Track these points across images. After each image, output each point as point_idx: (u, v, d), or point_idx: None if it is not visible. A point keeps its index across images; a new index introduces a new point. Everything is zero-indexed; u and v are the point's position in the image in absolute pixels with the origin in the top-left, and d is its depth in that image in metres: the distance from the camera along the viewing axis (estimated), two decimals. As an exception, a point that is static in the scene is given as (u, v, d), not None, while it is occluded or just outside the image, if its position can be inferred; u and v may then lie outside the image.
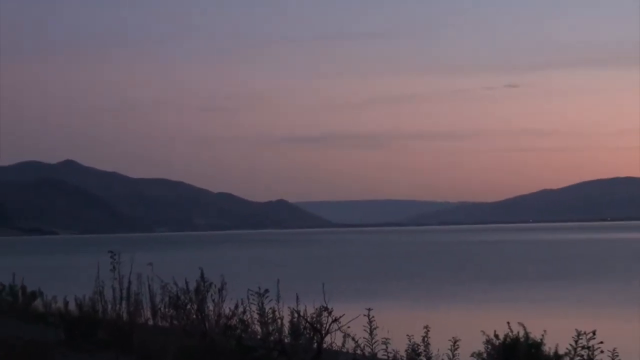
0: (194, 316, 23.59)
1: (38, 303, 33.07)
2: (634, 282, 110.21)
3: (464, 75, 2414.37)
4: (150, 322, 25.70)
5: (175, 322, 24.41)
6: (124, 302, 25.58)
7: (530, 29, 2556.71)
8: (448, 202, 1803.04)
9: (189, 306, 23.55)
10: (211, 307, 23.80)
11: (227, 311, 22.13)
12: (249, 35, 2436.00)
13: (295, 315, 19.73)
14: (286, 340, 18.97)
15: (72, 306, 28.24)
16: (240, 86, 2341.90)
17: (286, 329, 20.08)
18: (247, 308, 20.99)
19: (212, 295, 23.78)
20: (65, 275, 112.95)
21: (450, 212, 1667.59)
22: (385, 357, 23.97)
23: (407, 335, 25.01)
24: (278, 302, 20.66)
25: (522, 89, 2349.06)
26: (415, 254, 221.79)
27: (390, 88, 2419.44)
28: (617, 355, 18.97)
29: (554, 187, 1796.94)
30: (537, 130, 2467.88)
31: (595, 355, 19.59)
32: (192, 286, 23.74)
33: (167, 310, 24.99)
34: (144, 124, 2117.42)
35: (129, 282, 25.56)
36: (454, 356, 23.74)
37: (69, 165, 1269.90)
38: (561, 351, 23.77)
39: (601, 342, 20.01)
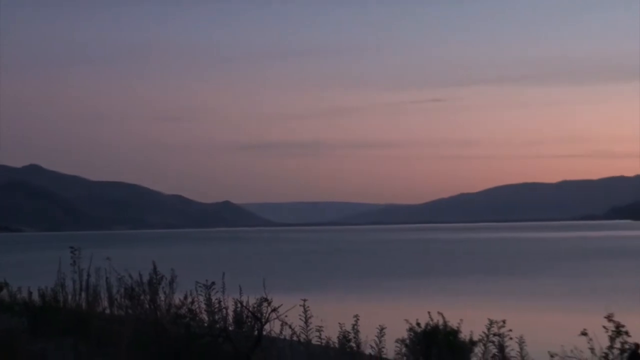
0: (147, 306, 23.49)
1: (4, 294, 32.80)
2: (539, 276, 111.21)
3: (394, 90, 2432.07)
4: (107, 311, 25.60)
5: (130, 311, 24.30)
6: (83, 293, 25.51)
7: (453, 48, 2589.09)
8: (377, 204, 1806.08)
9: (142, 297, 23.45)
10: (162, 298, 23.72)
11: (177, 301, 22.05)
12: (200, 53, 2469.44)
13: (239, 305, 19.71)
14: (230, 328, 18.94)
15: (35, 297, 28.02)
16: (192, 99, 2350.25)
17: (230, 318, 20.05)
18: (195, 299, 20.95)
19: (163, 287, 23.71)
20: (30, 268, 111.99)
21: (379, 213, 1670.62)
22: (319, 343, 23.99)
23: (339, 323, 25.04)
24: (223, 293, 20.62)
25: (445, 103, 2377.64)
26: (346, 251, 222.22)
27: (328, 101, 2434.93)
28: (524, 342, 19.08)
29: (471, 191, 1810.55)
30: (457, 140, 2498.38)
31: (505, 342, 19.69)
32: (146, 279, 23.65)
33: (122, 300, 24.89)
34: (103, 132, 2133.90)
35: (88, 275, 25.48)
36: (380, 342, 23.79)
37: (34, 169, 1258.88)
38: (475, 338, 23.91)
39: (510, 330, 20.14)
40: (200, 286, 20.50)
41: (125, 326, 21.23)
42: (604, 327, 17.34)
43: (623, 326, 17.34)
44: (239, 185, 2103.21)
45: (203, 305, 20.86)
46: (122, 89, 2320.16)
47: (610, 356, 17.32)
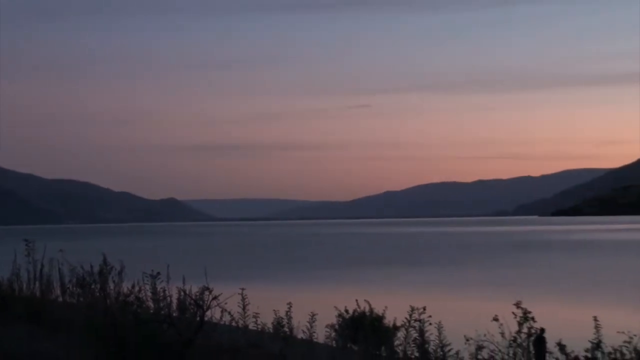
0: (97, 294, 23.34)
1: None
2: (456, 267, 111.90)
3: (325, 96, 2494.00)
4: (60, 299, 25.40)
5: (81, 299, 24.14)
6: (37, 282, 25.26)
7: (379, 59, 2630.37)
8: (310, 201, 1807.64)
9: (93, 286, 23.32)
10: (112, 287, 23.56)
11: (125, 290, 21.93)
12: (147, 62, 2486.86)
13: (182, 293, 19.64)
14: (174, 315, 18.86)
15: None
16: (139, 104, 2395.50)
17: (174, 305, 19.99)
18: (142, 288, 20.87)
19: (112, 276, 23.56)
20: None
21: (312, 209, 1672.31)
22: (256, 328, 23.97)
23: (274, 310, 25.01)
24: (168, 282, 20.56)
25: (372, 108, 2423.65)
26: (281, 243, 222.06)
27: (267, 107, 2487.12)
28: (442, 327, 19.19)
29: (396, 189, 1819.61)
30: (382, 142, 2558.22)
31: (425, 327, 19.78)
32: (96, 269, 23.50)
33: (74, 289, 24.73)
34: (58, 133, 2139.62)
35: (42, 266, 25.24)
36: (311, 327, 23.81)
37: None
38: (398, 323, 23.98)
39: (430, 316, 20.23)
40: (146, 276, 20.43)
41: (77, 313, 21.04)
42: (513, 313, 17.51)
43: (530, 312, 17.54)
44: (183, 183, 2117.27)
45: (149, 294, 20.79)
46: (75, 95, 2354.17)
47: (519, 340, 17.50)
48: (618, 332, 18.35)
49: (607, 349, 18.30)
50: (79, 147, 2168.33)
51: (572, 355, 18.42)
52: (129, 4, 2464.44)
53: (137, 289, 21.03)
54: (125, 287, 22.30)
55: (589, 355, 18.35)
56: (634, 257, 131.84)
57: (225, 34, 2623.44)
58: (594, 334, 18.40)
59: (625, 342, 18.30)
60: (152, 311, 19.46)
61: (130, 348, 14.80)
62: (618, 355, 18.21)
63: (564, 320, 39.02)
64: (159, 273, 20.35)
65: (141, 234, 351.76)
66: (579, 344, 18.72)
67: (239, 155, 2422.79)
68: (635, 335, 18.39)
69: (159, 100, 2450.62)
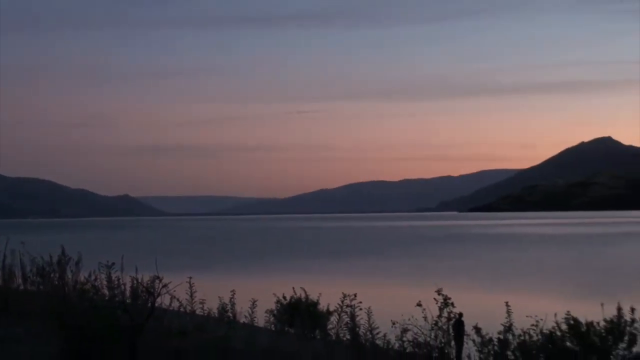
0: (56, 282, 23.10)
1: None
2: (384, 257, 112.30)
3: (269, 103, 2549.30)
4: (22, 288, 25.11)
5: (41, 287, 23.89)
6: (0, 272, 24.96)
7: (315, 69, 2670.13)
8: (252, 198, 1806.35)
9: (52, 275, 23.09)
10: (70, 276, 23.33)
11: (82, 279, 21.71)
12: (109, 71, 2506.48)
13: (135, 282, 19.45)
14: (128, 301, 18.68)
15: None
16: (99, 108, 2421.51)
17: (128, 293, 19.81)
18: (98, 277, 20.66)
19: (70, 266, 23.34)
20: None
21: (253, 205, 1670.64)
22: (202, 314, 23.87)
23: (219, 297, 24.91)
24: (122, 272, 20.36)
25: (308, 114, 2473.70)
26: (225, 237, 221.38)
27: (216, 112, 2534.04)
28: (371, 312, 19.23)
29: (330, 187, 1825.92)
30: (318, 144, 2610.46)
31: (356, 312, 19.80)
32: (55, 259, 23.27)
33: (35, 278, 24.44)
34: (21, 135, 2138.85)
35: (4, 256, 24.92)
36: (252, 312, 23.75)
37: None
38: (332, 309, 24.00)
39: (360, 302, 20.25)
40: (102, 266, 20.20)
41: (37, 300, 20.80)
42: (435, 299, 17.58)
43: (450, 299, 17.61)
44: (137, 181, 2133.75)
45: (104, 282, 20.58)
46: (37, 100, 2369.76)
47: (440, 323, 17.56)
48: (527, 316, 18.50)
49: (517, 332, 18.47)
50: (41, 148, 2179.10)
51: (487, 337, 18.54)
52: (93, 18, 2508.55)
53: (93, 277, 20.81)
54: (82, 276, 22.09)
55: (501, 337, 18.49)
56: (541, 249, 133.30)
57: (180, 45, 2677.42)
58: (506, 318, 18.55)
59: (532, 325, 18.48)
60: (107, 298, 19.27)
61: (87, 333, 14.65)
62: (526, 337, 18.38)
63: (480, 305, 39.29)
64: (113, 263, 20.15)
65: (97, 228, 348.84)
66: (492, 327, 18.86)
67: (189, 155, 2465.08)
68: (541, 319, 18.56)
69: (115, 105, 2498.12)
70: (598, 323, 18.68)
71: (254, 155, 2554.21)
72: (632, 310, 18.60)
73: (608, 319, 18.65)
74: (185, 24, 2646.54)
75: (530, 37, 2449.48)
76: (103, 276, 20.60)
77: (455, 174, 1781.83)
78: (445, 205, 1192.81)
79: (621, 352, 18.43)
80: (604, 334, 18.44)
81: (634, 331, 18.47)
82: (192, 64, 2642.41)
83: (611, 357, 18.40)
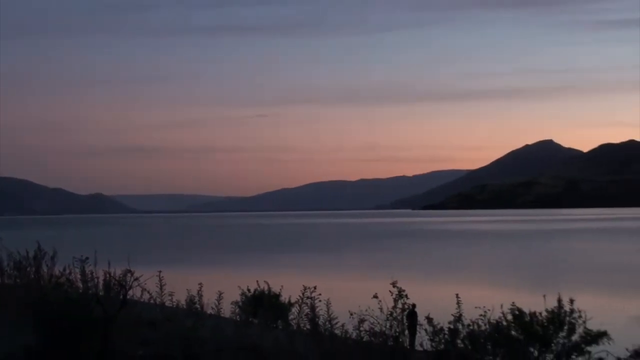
0: (33, 276, 22.92)
1: None
2: (342, 252, 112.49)
3: (232, 107, 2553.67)
4: (-1, 281, 24.91)
5: (18, 280, 23.67)
6: (-21, 266, 24.74)
7: (278, 75, 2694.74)
8: (218, 196, 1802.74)
9: (29, 269, 22.90)
10: (45, 270, 23.15)
11: (57, 272, 21.54)
12: (86, 76, 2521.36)
13: (107, 275, 19.35)
14: (101, 294, 18.57)
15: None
16: (73, 111, 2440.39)
17: (101, 285, 19.69)
18: (72, 270, 20.53)
19: (46, 261, 23.16)
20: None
21: (220, 203, 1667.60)
22: (171, 305, 23.78)
23: (187, 289, 24.83)
24: (95, 266, 20.24)
25: (268, 118, 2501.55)
26: (193, 232, 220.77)
27: (184, 115, 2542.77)
28: (330, 303, 19.24)
29: (291, 186, 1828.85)
30: (278, 146, 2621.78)
31: (316, 304, 19.79)
32: (32, 254, 23.09)
33: (12, 271, 24.22)
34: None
35: (-17, 252, 24.74)
36: (219, 304, 23.69)
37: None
38: (293, 300, 23.99)
39: (320, 294, 20.25)
40: (76, 260, 20.07)
41: (14, 293, 20.62)
42: (390, 291, 17.60)
43: (404, 291, 17.65)
44: (110, 180, 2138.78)
45: (79, 276, 20.44)
46: (15, 103, 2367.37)
47: (394, 314, 17.59)
48: (475, 307, 18.60)
49: (467, 322, 18.54)
50: (18, 149, 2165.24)
51: (438, 326, 18.60)
52: (72, 26, 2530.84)
53: (67, 271, 20.68)
54: (57, 270, 21.92)
55: (452, 326, 18.56)
56: (488, 244, 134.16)
57: (151, 53, 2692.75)
58: (456, 309, 18.61)
59: (480, 315, 18.57)
60: (81, 291, 19.14)
61: (62, 324, 14.56)
62: (475, 326, 18.47)
63: (432, 297, 39.46)
64: (87, 258, 20.02)
65: (72, 225, 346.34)
66: (444, 318, 18.93)
67: (159, 156, 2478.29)
68: (489, 310, 18.66)
69: (90, 108, 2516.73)
70: (540, 313, 18.81)
71: (219, 155, 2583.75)
72: (571, 301, 18.75)
73: (549, 309, 18.80)
74: (156, 33, 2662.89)
75: (477, 47, 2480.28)
76: (77, 270, 20.46)
77: (409, 174, 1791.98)
78: (399, 204, 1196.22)
79: (561, 341, 18.58)
80: (545, 324, 18.58)
81: (572, 321, 18.62)
82: (161, 70, 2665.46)
83: (552, 345, 18.55)
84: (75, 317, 14.71)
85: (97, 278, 19.88)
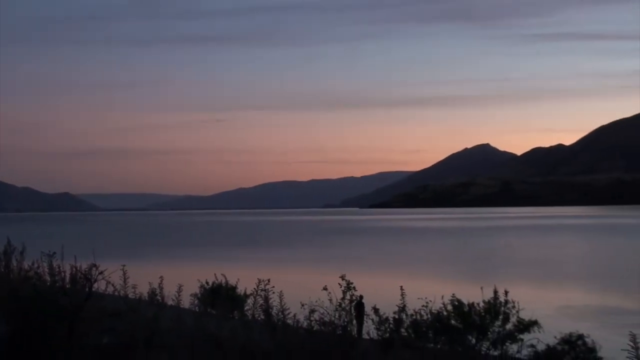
0: (2, 270, 22.62)
1: None
2: (295, 247, 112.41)
3: (191, 112, 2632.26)
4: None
5: (-12, 274, 23.38)
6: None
7: (232, 83, 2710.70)
8: (179, 195, 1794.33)
9: (-1, 263, 22.62)
10: (15, 264, 22.86)
11: (26, 267, 21.28)
12: (60, 83, 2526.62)
13: (74, 269, 19.15)
14: (67, 286, 18.37)
15: None
16: (39, 113, 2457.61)
17: (67, 279, 19.49)
18: (40, 265, 20.30)
19: (15, 255, 22.87)
20: None
21: (180, 201, 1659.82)
22: (134, 297, 23.61)
23: (149, 282, 24.68)
24: (62, 260, 20.00)
25: (226, 122, 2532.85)
26: (155, 229, 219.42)
27: (146, 120, 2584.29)
28: (283, 295, 19.22)
29: (247, 185, 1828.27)
30: (235, 148, 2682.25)
31: (270, 295, 19.76)
32: (2, 249, 22.79)
33: (-18, 266, 23.93)
34: None
35: (-45, 247, 24.35)
36: (179, 296, 23.56)
37: None
38: (248, 292, 23.95)
39: (273, 287, 20.23)
40: (44, 255, 19.84)
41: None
42: (339, 284, 17.64)
43: (352, 283, 17.69)
44: (76, 180, 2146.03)
45: (47, 270, 20.20)
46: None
47: (343, 305, 17.63)
48: (418, 298, 18.71)
49: (410, 312, 18.65)
50: None
51: (384, 316, 18.68)
52: (44, 36, 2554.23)
53: (36, 265, 20.44)
54: (26, 264, 21.66)
55: (396, 316, 18.65)
56: (430, 240, 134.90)
57: (117, 62, 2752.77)
58: (400, 300, 18.71)
59: (423, 306, 18.68)
60: (49, 284, 18.92)
61: (31, 315, 14.40)
62: (418, 316, 18.58)
63: (378, 289, 39.55)
64: (54, 252, 19.79)
65: (40, 222, 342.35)
66: (389, 308, 19.02)
67: (123, 157, 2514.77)
68: (430, 301, 18.78)
69: (59, 111, 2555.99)
70: (478, 304, 18.96)
71: (179, 157, 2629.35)
72: (506, 293, 18.92)
73: (486, 300, 18.95)
74: (122, 43, 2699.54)
75: (419, 58, 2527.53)
76: (45, 264, 20.23)
77: (357, 175, 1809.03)
78: (348, 203, 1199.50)
79: (497, 329, 18.75)
80: (482, 314, 18.73)
81: (507, 311, 18.79)
82: (126, 78, 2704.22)
83: (488, 333, 18.70)
84: (44, 308, 14.57)
85: (64, 272, 19.64)
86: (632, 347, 15.23)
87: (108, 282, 19.81)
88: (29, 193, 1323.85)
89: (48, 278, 19.85)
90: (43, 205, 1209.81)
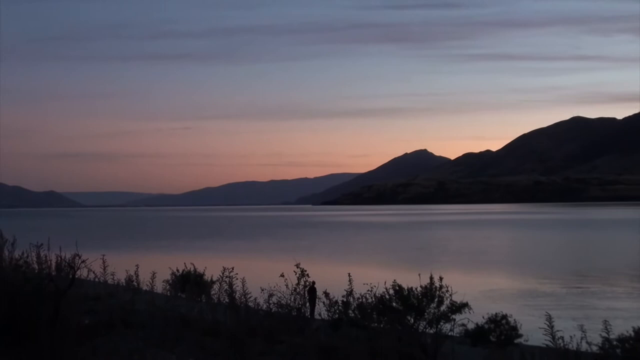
0: (-5, 260, 22.25)
1: None
2: (257, 239, 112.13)
3: (161, 120, 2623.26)
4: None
5: (-18, 263, 22.99)
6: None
7: (201, 94, 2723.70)
8: (153, 193, 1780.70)
9: (-9, 254, 22.23)
10: (6, 254, 22.48)
11: (16, 256, 20.95)
12: (41, 90, 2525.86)
13: (59, 258, 18.90)
14: (53, 274, 18.12)
15: None
16: (29, 120, 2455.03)
17: (53, 267, 19.22)
18: (29, 254, 20.00)
19: (7, 247, 22.49)
20: None
21: (154, 199, 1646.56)
22: (113, 283, 23.38)
23: (126, 270, 24.44)
24: (48, 250, 19.73)
25: (192, 130, 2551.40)
26: (131, 223, 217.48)
27: (125, 126, 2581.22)
28: (245, 281, 19.14)
29: (213, 185, 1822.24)
30: (202, 153, 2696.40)
31: (233, 282, 19.65)
32: (-6, 241, 22.42)
33: (-23, 256, 23.50)
34: None
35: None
36: (152, 282, 23.36)
37: None
38: (214, 279, 23.81)
39: (237, 274, 20.13)
40: (32, 246, 19.56)
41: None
42: (294, 271, 17.65)
43: (305, 271, 17.71)
44: (61, 179, 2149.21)
45: (35, 259, 19.92)
46: None
47: (298, 289, 17.64)
48: (364, 284, 18.74)
49: (357, 296, 18.68)
50: None
51: (334, 299, 18.69)
52: (35, 52, 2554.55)
53: (25, 255, 20.13)
54: (17, 254, 21.34)
55: (345, 299, 18.67)
56: (374, 232, 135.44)
57: (96, 75, 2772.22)
58: (348, 285, 18.73)
59: (368, 290, 18.72)
60: (36, 271, 18.66)
61: (21, 298, 14.21)
62: (363, 299, 18.60)
63: (329, 276, 39.59)
64: (42, 244, 19.52)
65: (29, 217, 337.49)
66: (338, 292, 19.04)
67: (103, 160, 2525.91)
68: (375, 286, 18.82)
69: (46, 119, 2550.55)
70: (416, 288, 19.05)
71: (152, 160, 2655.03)
72: (441, 279, 19.03)
73: (423, 285, 19.05)
74: (102, 59, 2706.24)
75: (363, 74, 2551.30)
76: (33, 254, 19.94)
77: (310, 176, 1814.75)
78: (302, 200, 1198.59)
79: (432, 311, 18.85)
80: (420, 297, 18.83)
81: (441, 295, 18.90)
82: (106, 90, 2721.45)
83: (425, 314, 18.80)
84: (32, 292, 14.39)
85: (50, 261, 19.36)
86: (548, 326, 15.44)
87: (89, 270, 19.55)
88: (19, 191, 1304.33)
89: (36, 266, 19.55)
90: (31, 202, 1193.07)
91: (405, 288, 19.06)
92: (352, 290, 18.70)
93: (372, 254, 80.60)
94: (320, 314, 19.47)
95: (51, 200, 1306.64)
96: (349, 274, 18.91)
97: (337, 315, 18.58)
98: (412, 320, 18.70)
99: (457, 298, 18.92)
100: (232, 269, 19.31)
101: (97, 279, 21.86)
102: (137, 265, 24.05)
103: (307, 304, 18.83)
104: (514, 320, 24.30)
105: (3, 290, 14.64)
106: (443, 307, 18.78)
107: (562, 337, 15.24)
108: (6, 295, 14.37)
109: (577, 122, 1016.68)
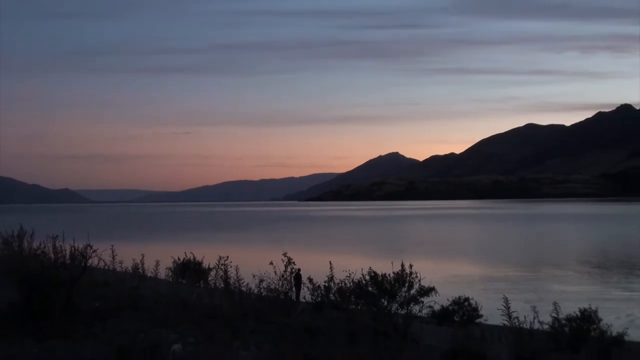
0: (16, 249, 22.09)
1: None
2: (249, 231, 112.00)
3: (164, 125, 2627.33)
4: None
5: (5, 252, 22.82)
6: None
7: (201, 102, 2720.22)
8: (156, 191, 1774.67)
9: (13, 244, 22.07)
10: (26, 245, 22.36)
11: (35, 247, 20.84)
12: (56, 98, 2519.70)
13: (72, 248, 18.78)
14: (67, 262, 18.02)
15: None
16: (47, 126, 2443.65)
17: (67, 256, 19.11)
18: (46, 245, 19.87)
19: (27, 238, 22.38)
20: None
21: (157, 195, 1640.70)
22: (121, 270, 23.28)
23: (132, 258, 24.36)
24: (63, 241, 19.61)
25: (192, 134, 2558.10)
26: (137, 217, 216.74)
27: (132, 131, 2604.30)
28: (239, 269, 19.10)
29: (210, 184, 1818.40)
30: (200, 154, 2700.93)
31: (228, 269, 19.61)
32: (16, 233, 22.26)
33: (1, 246, 23.34)
34: None
35: (-22, 231, 23.69)
36: (157, 269, 23.28)
37: None
38: (211, 266, 23.71)
39: (231, 262, 20.09)
40: (49, 237, 19.44)
41: (2, 262, 19.87)
42: (282, 259, 17.65)
43: (292, 259, 17.70)
44: (75, 178, 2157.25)
45: (51, 249, 19.79)
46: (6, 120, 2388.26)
47: (285, 275, 17.64)
48: (343, 270, 18.75)
49: (337, 281, 18.67)
50: (3, 152, 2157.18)
51: (317, 285, 18.68)
52: (53, 66, 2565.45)
53: (42, 246, 20.02)
54: (35, 244, 21.23)
55: (326, 285, 18.66)
56: (352, 225, 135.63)
57: (107, 86, 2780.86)
58: (329, 272, 18.74)
59: (347, 276, 18.72)
60: (52, 260, 18.55)
61: (39, 285, 14.13)
62: (343, 284, 18.60)
63: (312, 263, 39.60)
64: (57, 235, 19.39)
65: (46, 212, 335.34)
66: (320, 278, 19.03)
67: (112, 160, 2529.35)
68: (353, 273, 18.82)
69: (62, 124, 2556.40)
70: (389, 275, 19.08)
71: (156, 161, 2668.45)
72: (411, 266, 19.03)
73: (395, 272, 19.08)
74: (113, 72, 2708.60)
75: (343, 85, 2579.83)
76: (50, 245, 19.82)
77: (296, 176, 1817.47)
78: (289, 197, 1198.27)
79: (403, 294, 18.88)
80: (392, 282, 18.85)
81: (411, 280, 18.91)
82: (116, 99, 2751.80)
83: (397, 297, 18.82)
84: (48, 279, 14.31)
85: (65, 250, 19.24)
86: (505, 307, 15.55)
87: (100, 259, 19.49)
88: (37, 189, 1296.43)
89: (52, 256, 19.43)
90: (48, 199, 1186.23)
91: (380, 274, 19.07)
92: (332, 276, 18.70)
93: (351, 244, 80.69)
94: (304, 298, 19.46)
95: (66, 197, 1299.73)
96: (330, 262, 18.92)
97: (319, 299, 18.58)
98: (386, 302, 18.71)
99: (425, 283, 18.97)
100: (227, 257, 19.25)
101: (106, 267, 21.78)
102: (142, 255, 23.91)
103: (293, 289, 18.79)
104: (475, 302, 24.44)
105: (23, 276, 14.58)
106: (413, 291, 18.80)
107: (517, 317, 15.42)
108: (26, 281, 14.32)
109: (531, 129, 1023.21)
